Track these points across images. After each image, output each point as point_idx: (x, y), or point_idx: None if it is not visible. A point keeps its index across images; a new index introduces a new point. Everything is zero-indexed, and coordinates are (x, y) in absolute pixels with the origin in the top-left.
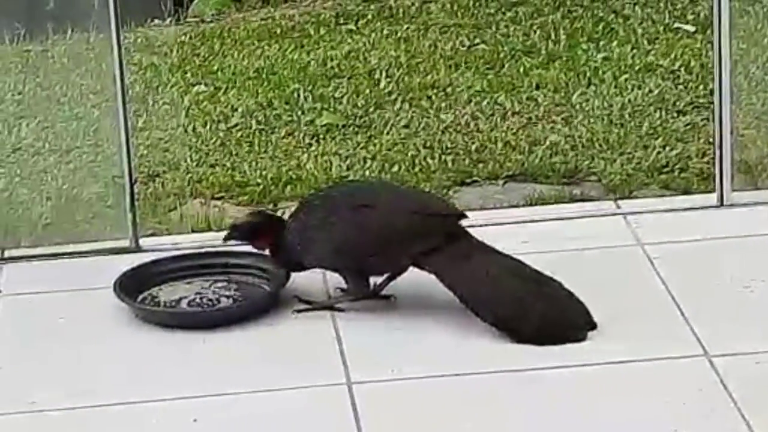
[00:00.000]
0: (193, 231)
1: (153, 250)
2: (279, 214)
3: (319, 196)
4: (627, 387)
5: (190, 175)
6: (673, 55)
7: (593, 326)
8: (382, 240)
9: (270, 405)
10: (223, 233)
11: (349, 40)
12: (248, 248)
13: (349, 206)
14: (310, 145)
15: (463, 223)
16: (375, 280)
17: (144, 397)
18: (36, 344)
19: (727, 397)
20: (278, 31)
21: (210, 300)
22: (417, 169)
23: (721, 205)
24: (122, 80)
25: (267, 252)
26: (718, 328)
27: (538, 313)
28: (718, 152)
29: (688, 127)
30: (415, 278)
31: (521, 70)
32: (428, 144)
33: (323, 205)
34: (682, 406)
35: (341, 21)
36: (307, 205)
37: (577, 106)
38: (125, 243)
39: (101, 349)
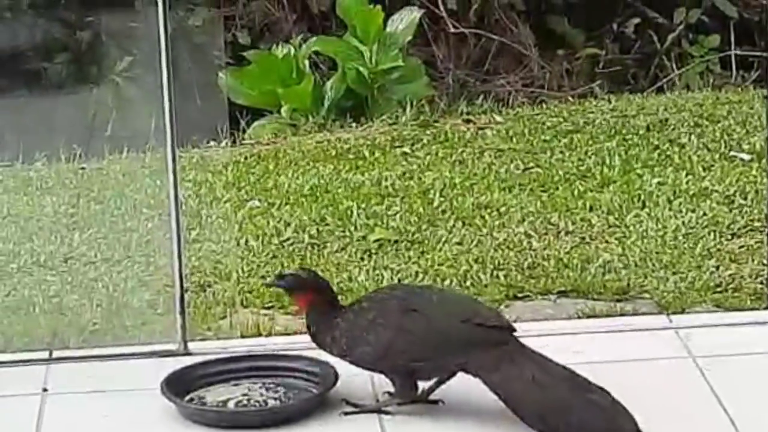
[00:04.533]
0: (242, 336)
1: (201, 353)
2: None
3: (370, 297)
4: None
5: (241, 285)
6: (728, 181)
7: None
8: (429, 347)
9: None
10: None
11: (404, 162)
12: (297, 351)
13: (398, 310)
14: (362, 259)
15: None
16: (424, 384)
17: None
18: None
19: None
20: (333, 152)
21: (257, 401)
22: (468, 283)
23: None
24: (176, 197)
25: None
26: None
27: (586, 420)
28: None
29: (742, 249)
30: (464, 382)
31: (575, 192)
32: (480, 260)
33: (373, 307)
34: None
35: (396, 144)
36: (357, 305)
37: (631, 227)
38: (173, 346)
39: None
